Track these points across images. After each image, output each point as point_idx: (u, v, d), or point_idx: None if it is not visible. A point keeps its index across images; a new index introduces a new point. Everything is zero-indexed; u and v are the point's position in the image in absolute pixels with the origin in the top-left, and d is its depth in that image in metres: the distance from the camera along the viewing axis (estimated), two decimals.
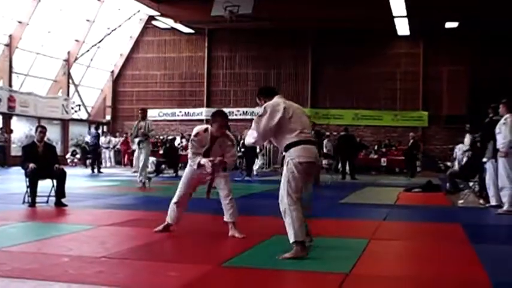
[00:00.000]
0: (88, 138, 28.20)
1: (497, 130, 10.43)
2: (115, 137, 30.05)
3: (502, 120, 10.39)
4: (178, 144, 27.31)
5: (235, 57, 32.53)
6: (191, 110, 32.83)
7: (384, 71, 30.37)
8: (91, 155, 23.71)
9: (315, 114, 30.76)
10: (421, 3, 23.79)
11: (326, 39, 30.57)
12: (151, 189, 14.65)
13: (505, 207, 10.25)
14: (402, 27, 27.61)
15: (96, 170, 22.28)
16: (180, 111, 33.01)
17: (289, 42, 31.20)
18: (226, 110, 31.58)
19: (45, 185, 10.34)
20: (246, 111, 30.56)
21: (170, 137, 27.32)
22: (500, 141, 10.29)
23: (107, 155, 28.11)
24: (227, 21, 24.36)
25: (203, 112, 32.49)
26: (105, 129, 32.07)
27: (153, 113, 32.40)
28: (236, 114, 31.60)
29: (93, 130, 24.79)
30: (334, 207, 11.30)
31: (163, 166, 21.59)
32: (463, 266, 5.83)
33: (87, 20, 29.01)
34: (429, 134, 29.05)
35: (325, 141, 24.42)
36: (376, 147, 28.64)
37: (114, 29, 30.07)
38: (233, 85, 32.50)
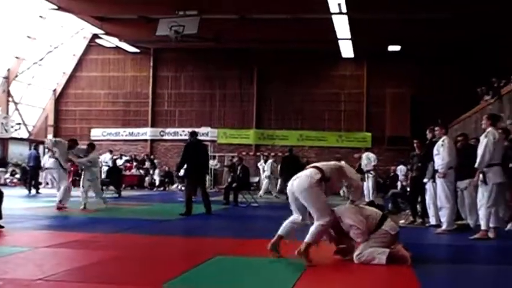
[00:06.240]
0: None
1: (435, 152, 10.66)
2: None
3: (440, 142, 10.63)
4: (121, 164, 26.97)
5: (181, 77, 32.45)
6: (135, 130, 32.53)
7: (329, 93, 30.78)
8: (29, 176, 23.09)
9: (260, 135, 30.93)
10: (365, 27, 24.28)
11: (271, 60, 30.81)
12: (92, 210, 14.34)
13: (444, 227, 10.46)
14: (346, 50, 28.10)
15: (34, 191, 21.85)
16: (124, 131, 32.67)
17: (235, 63, 31.33)
18: (171, 130, 31.83)
19: None
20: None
21: (115, 157, 26.95)
22: (439, 162, 10.53)
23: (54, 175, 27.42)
24: (172, 41, 24.28)
25: (148, 132, 32.29)
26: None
27: (96, 133, 32.05)
28: (181, 135, 31.49)
29: (33, 151, 24.12)
30: (277, 228, 11.24)
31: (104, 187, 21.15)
32: (401, 284, 5.89)
33: (29, 37, 28.47)
34: None
35: (270, 161, 24.61)
36: None
37: (57, 47, 29.60)
38: (178, 105, 32.37)
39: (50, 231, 10.00)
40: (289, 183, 6.97)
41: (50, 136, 32.17)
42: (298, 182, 6.82)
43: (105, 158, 25.52)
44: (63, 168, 14.87)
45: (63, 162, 14.82)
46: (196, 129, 19.13)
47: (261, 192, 23.68)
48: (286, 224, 7.18)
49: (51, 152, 15.61)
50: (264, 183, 24.28)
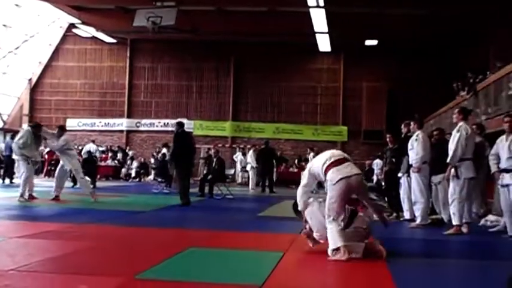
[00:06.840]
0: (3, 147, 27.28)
1: (409, 146, 10.76)
2: None
3: (414, 137, 10.74)
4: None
5: (157, 68, 32.33)
6: (111, 121, 32.35)
7: (305, 86, 30.86)
8: (4, 165, 22.91)
9: (236, 128, 30.93)
10: (342, 21, 24.35)
11: (248, 53, 30.80)
12: (67, 200, 14.24)
13: (418, 221, 10.57)
14: (324, 43, 28.17)
15: (8, 180, 21.69)
16: (100, 122, 32.49)
17: (212, 55, 31.28)
18: (147, 121, 31.72)
19: None
20: (167, 123, 30.35)
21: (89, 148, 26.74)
22: (413, 157, 10.63)
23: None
24: (150, 32, 24.15)
25: (124, 123, 32.12)
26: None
27: (72, 123, 31.78)
28: (157, 126, 31.43)
29: (8, 139, 23.92)
30: (252, 220, 11.33)
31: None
32: (374, 278, 5.94)
33: (4, 25, 28.12)
34: (348, 149, 29.20)
35: (251, 152, 24.43)
36: (296, 161, 28.95)
37: (33, 36, 29.27)
38: (155, 96, 32.26)
39: (23, 221, 9.92)
40: (345, 180, 6.70)
41: (24, 126, 31.80)
42: (361, 179, 6.94)
43: (90, 148, 25.32)
44: (24, 159, 14.23)
45: (26, 152, 14.17)
46: (180, 120, 18.86)
47: (251, 186, 23.14)
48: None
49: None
50: (251, 174, 23.69)
